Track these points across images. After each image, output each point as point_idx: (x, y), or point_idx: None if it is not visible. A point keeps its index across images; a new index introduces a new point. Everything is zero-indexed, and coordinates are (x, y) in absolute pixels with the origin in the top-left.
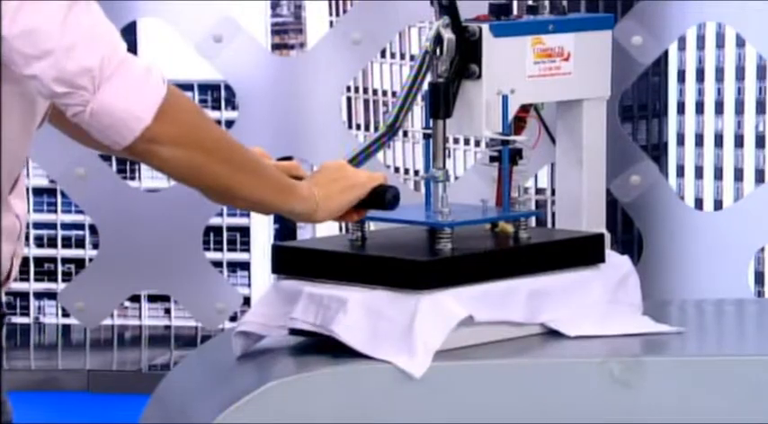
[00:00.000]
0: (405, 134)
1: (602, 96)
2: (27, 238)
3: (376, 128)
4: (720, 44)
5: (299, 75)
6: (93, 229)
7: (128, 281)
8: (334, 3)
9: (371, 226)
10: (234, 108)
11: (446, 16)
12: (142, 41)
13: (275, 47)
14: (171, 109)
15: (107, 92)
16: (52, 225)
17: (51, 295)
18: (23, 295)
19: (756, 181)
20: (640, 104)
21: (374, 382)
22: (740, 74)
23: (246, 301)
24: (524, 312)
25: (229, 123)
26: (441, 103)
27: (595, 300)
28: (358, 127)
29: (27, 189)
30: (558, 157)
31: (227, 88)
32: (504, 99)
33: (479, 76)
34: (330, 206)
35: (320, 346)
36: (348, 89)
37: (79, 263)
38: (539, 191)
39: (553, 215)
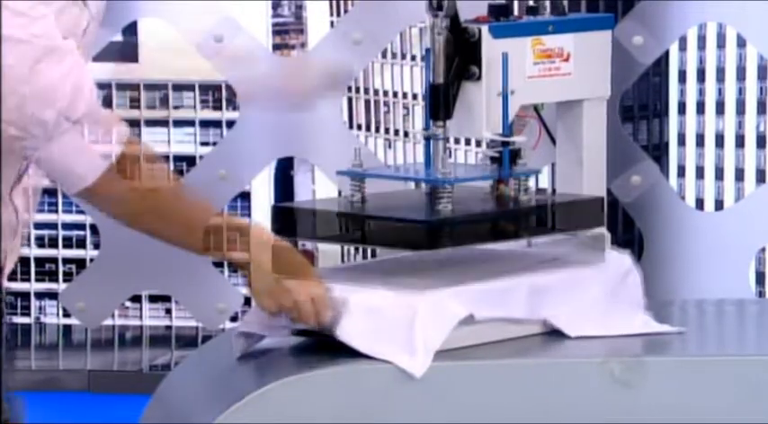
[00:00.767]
0: (406, 134)
1: (602, 96)
2: (28, 238)
3: (377, 129)
4: (721, 44)
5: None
6: (93, 229)
7: (128, 281)
8: (334, 3)
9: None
10: (234, 108)
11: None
12: (143, 41)
13: (276, 47)
14: (114, 174)
15: (56, 147)
16: (53, 226)
17: (52, 296)
18: (24, 296)
19: (757, 182)
20: (641, 104)
21: (374, 382)
22: (741, 74)
23: (247, 301)
24: (525, 308)
25: (230, 123)
26: (441, 105)
27: (595, 297)
28: (359, 127)
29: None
30: (559, 157)
31: (228, 88)
32: (505, 100)
33: (479, 78)
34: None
35: (320, 346)
36: (349, 89)
37: (80, 263)
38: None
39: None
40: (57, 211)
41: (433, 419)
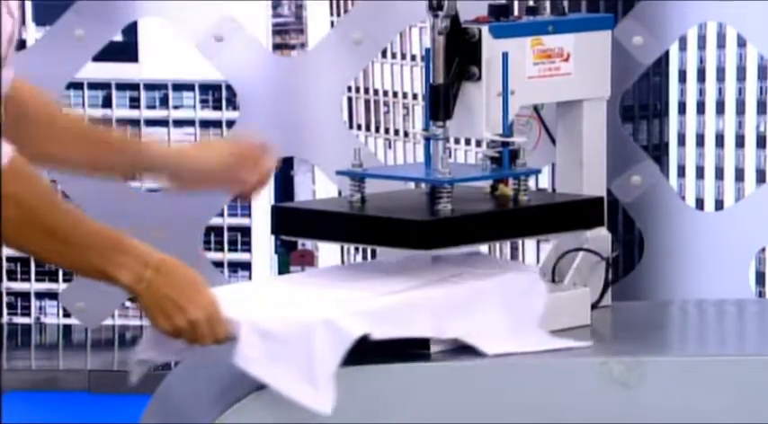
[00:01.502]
0: (406, 134)
1: (602, 96)
2: None
3: (377, 129)
4: (721, 44)
5: (299, 75)
6: None
7: None
8: (335, 3)
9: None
10: (235, 108)
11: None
12: (143, 41)
13: (276, 47)
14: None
15: None
16: None
17: (52, 296)
18: (24, 296)
19: (757, 182)
20: (641, 104)
21: (374, 382)
22: (741, 74)
23: None
24: (430, 327)
25: (230, 123)
26: (441, 105)
27: (496, 312)
28: (359, 127)
29: None
30: (559, 157)
31: (228, 88)
32: (505, 100)
33: (479, 78)
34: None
35: None
36: (349, 89)
37: None
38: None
39: None
40: None
41: (433, 419)
